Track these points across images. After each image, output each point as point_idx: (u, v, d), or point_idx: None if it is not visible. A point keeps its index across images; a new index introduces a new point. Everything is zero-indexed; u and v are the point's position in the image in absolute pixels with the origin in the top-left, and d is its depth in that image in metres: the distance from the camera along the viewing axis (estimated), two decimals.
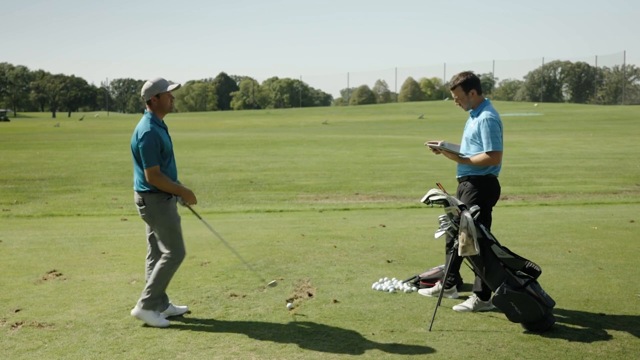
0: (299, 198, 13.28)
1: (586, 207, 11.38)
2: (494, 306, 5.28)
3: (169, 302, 5.24)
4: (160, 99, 5.01)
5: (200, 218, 5.37)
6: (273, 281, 5.55)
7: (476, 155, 5.35)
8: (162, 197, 4.97)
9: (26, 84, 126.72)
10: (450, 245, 5.62)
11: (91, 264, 7.09)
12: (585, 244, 7.89)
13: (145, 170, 4.88)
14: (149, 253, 5.24)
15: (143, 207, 4.99)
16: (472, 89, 5.41)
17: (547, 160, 20.74)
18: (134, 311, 5.02)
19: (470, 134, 5.44)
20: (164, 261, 5.01)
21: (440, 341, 4.62)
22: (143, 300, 5.00)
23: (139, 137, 4.89)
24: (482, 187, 5.37)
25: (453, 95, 5.52)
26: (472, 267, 5.18)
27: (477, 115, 5.42)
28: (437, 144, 5.42)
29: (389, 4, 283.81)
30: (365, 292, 5.89)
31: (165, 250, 5.03)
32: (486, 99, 5.52)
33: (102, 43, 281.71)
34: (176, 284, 6.15)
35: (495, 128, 5.28)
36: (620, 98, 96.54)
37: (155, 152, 4.87)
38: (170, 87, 5.03)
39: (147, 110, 5.05)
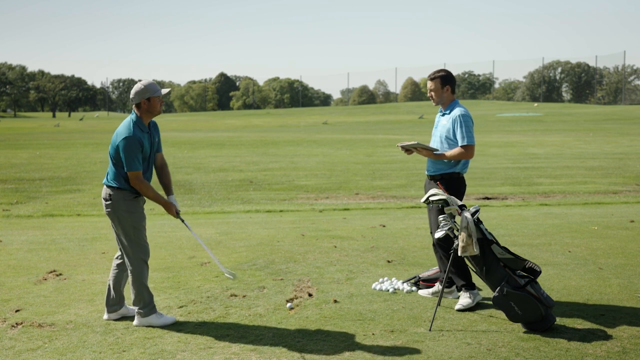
0: (299, 198, 13.28)
1: (586, 207, 11.38)
2: (489, 302, 5.30)
3: (124, 302, 5.24)
4: (150, 102, 4.97)
5: (183, 221, 5.27)
6: (232, 274, 5.26)
7: (451, 150, 5.54)
8: (129, 195, 4.97)
9: (26, 84, 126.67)
10: (443, 247, 5.68)
11: (91, 264, 7.09)
12: (585, 244, 7.89)
13: (127, 174, 4.89)
14: (119, 254, 5.21)
15: (109, 202, 4.96)
16: (447, 85, 5.65)
17: (547, 160, 20.75)
18: (135, 323, 5.03)
19: (444, 131, 5.63)
20: (132, 267, 5.00)
21: (440, 341, 4.62)
22: (139, 312, 5.01)
23: (119, 139, 4.87)
24: (454, 185, 5.57)
25: (429, 85, 5.71)
26: (471, 266, 5.19)
27: (449, 112, 5.65)
28: (411, 143, 5.56)
29: (389, 4, 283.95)
30: (365, 292, 5.89)
31: (127, 251, 5.00)
32: (456, 99, 5.75)
33: (102, 43, 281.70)
34: (176, 284, 6.16)
35: (468, 123, 5.54)
36: (620, 98, 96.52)
37: (136, 157, 4.86)
38: (163, 92, 5.04)
39: (135, 112, 5.00)
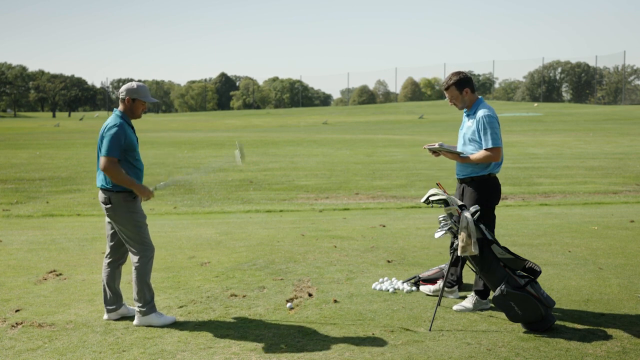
0: (299, 198, 13.28)
1: (586, 207, 11.38)
2: (492, 305, 5.29)
3: (123, 302, 5.24)
4: (134, 104, 5.03)
5: (164, 186, 5.40)
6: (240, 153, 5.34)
7: (477, 153, 5.36)
8: (128, 196, 4.99)
9: (26, 84, 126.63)
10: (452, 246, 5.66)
11: (91, 264, 7.09)
12: (585, 244, 7.89)
13: (101, 158, 4.86)
14: (108, 252, 5.22)
15: (109, 206, 4.97)
16: (465, 87, 5.45)
17: (547, 160, 20.75)
18: (135, 322, 5.03)
19: (469, 133, 5.45)
20: (137, 264, 5.02)
21: (440, 341, 4.62)
22: (140, 310, 5.02)
23: (106, 129, 4.91)
24: (485, 187, 5.39)
25: (447, 95, 5.54)
26: (472, 266, 5.19)
27: (474, 114, 5.45)
28: (434, 145, 5.43)
29: (389, 4, 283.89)
30: (365, 292, 5.89)
31: (133, 250, 5.03)
32: (480, 97, 5.55)
33: (102, 43, 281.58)
34: (176, 284, 6.16)
35: (494, 125, 5.33)
36: (620, 98, 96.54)
37: (117, 145, 4.86)
38: (152, 100, 5.11)
39: (118, 109, 5.05)
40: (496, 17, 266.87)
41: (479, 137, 5.36)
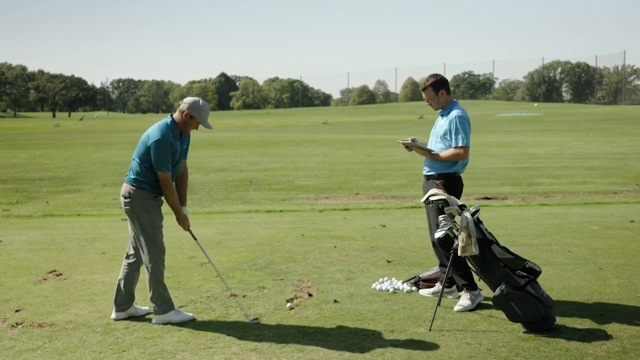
0: (299, 198, 13.28)
1: (586, 207, 11.38)
2: (484, 293, 5.31)
3: (133, 302, 5.26)
4: (190, 120, 5.08)
5: (195, 239, 5.46)
6: (255, 318, 5.19)
7: (446, 150, 5.58)
8: (149, 195, 5.04)
9: (26, 84, 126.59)
10: (443, 246, 5.69)
11: (91, 264, 7.09)
12: (585, 244, 7.89)
13: (158, 174, 4.98)
14: (130, 253, 5.24)
15: (128, 200, 5.03)
16: (441, 89, 5.69)
17: (547, 160, 20.75)
18: (154, 321, 5.08)
19: (441, 131, 5.69)
20: (151, 266, 5.06)
21: (440, 341, 4.62)
22: (156, 311, 5.06)
23: (151, 140, 4.94)
24: (449, 185, 5.59)
25: (424, 95, 5.79)
26: (471, 266, 5.19)
27: (448, 114, 5.69)
28: (408, 140, 5.63)
29: (389, 4, 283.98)
30: (365, 292, 5.89)
31: (145, 250, 5.06)
32: (455, 100, 5.80)
33: (102, 43, 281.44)
34: (176, 284, 6.16)
35: (465, 125, 5.58)
36: (620, 98, 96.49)
37: (167, 159, 4.96)
38: (207, 125, 5.14)
39: (173, 117, 5.08)
40: (496, 17, 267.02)
41: (450, 136, 5.58)
